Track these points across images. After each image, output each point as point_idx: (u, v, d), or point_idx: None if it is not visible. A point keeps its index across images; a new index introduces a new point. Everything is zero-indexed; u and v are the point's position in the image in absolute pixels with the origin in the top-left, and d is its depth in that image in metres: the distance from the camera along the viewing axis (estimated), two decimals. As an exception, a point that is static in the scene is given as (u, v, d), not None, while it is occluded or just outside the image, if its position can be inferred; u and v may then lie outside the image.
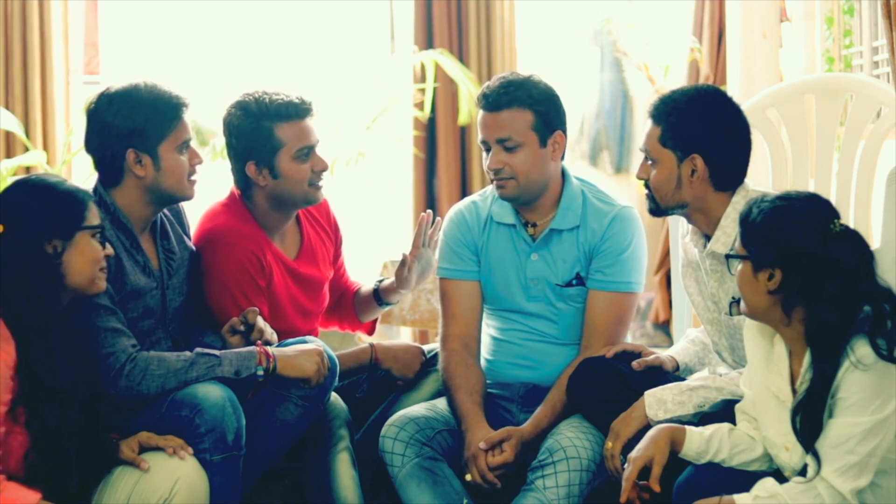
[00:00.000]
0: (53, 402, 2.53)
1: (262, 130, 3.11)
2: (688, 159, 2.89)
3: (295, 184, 3.13)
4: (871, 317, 2.40)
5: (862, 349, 2.38)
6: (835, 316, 2.41)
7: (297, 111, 3.13)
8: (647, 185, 2.95)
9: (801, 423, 2.44)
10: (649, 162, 2.94)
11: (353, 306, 3.51)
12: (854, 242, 2.45)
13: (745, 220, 2.53)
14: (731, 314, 2.93)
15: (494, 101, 3.09)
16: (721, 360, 3.06)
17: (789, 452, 2.52)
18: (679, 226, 3.15)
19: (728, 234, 2.87)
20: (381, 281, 3.47)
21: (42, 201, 2.61)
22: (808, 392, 2.44)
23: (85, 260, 2.62)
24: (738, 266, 2.55)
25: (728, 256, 2.62)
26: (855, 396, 2.38)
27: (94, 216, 2.66)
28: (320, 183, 3.18)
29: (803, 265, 2.44)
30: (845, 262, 2.42)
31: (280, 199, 3.16)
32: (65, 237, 2.60)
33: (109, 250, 2.68)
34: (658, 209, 2.96)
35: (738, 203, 2.88)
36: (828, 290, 2.41)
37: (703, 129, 2.88)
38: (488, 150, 3.13)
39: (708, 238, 2.95)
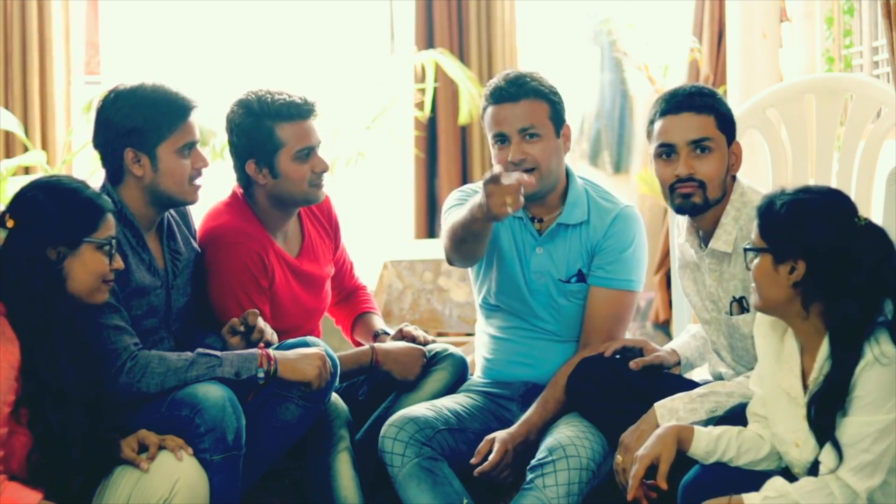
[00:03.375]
0: (57, 403, 2.53)
1: (262, 129, 3.11)
2: (734, 143, 2.89)
3: (294, 184, 3.13)
4: (894, 311, 2.40)
5: (886, 344, 2.38)
6: (857, 309, 2.41)
7: (298, 111, 3.13)
8: (689, 180, 2.84)
9: (816, 414, 2.43)
10: (699, 151, 2.84)
11: (351, 322, 3.53)
12: (878, 236, 2.45)
13: (766, 213, 2.50)
14: (731, 313, 2.92)
15: (513, 92, 3.07)
16: (720, 360, 3.06)
17: (799, 449, 2.51)
18: (674, 228, 3.14)
19: (729, 231, 2.86)
20: (384, 332, 3.45)
21: (55, 205, 2.60)
22: (825, 383, 2.42)
23: (86, 271, 2.61)
24: (754, 259, 2.51)
25: (747, 249, 2.56)
26: (872, 395, 2.37)
27: (107, 228, 2.64)
28: (321, 183, 3.18)
29: (828, 258, 2.43)
30: (869, 256, 2.41)
31: (280, 198, 3.16)
32: (69, 245, 2.59)
33: (118, 264, 2.66)
34: (706, 204, 2.87)
35: (735, 201, 2.88)
36: (852, 283, 2.41)
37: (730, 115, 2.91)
38: (502, 144, 3.10)
39: (704, 238, 2.94)
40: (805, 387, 2.52)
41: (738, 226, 2.87)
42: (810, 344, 2.51)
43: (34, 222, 2.58)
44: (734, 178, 2.93)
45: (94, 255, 2.61)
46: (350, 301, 3.55)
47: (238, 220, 3.16)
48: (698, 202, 2.86)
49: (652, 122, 2.92)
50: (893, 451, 2.40)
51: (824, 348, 2.46)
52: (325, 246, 3.36)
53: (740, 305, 2.90)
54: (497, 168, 2.70)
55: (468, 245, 3.00)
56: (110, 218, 2.67)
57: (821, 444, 2.45)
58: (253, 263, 3.11)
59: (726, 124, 2.89)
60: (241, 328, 2.97)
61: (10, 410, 2.48)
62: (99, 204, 2.65)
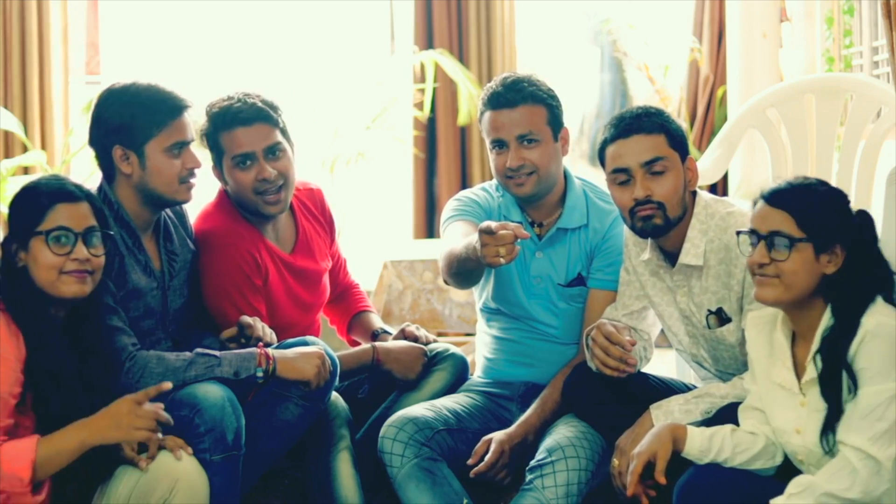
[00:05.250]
0: (58, 389, 2.53)
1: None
2: (688, 159, 2.88)
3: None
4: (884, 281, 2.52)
5: (882, 315, 2.45)
6: (868, 283, 2.49)
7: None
8: (648, 202, 2.81)
9: (822, 365, 2.46)
10: (654, 173, 2.81)
11: (347, 321, 3.52)
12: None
13: (807, 203, 2.51)
14: (710, 327, 2.90)
15: (511, 97, 3.06)
16: (705, 371, 3.03)
17: (801, 435, 2.53)
18: (629, 248, 3.04)
19: (697, 245, 2.84)
20: (384, 331, 3.44)
21: (13, 207, 2.62)
22: (828, 338, 2.47)
23: (38, 266, 2.57)
24: (787, 252, 2.49)
25: (793, 239, 2.49)
26: (876, 366, 2.42)
27: (57, 218, 2.58)
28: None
29: (867, 242, 2.51)
30: (873, 233, 2.53)
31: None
32: (21, 243, 2.58)
33: (80, 253, 2.57)
34: (668, 224, 2.84)
35: (700, 214, 2.86)
36: (874, 261, 2.51)
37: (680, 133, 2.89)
38: (500, 149, 3.09)
39: (669, 255, 2.91)
40: (798, 377, 2.55)
41: (706, 238, 2.85)
42: (809, 331, 2.54)
43: (7, 224, 2.61)
44: (694, 193, 2.90)
45: (41, 249, 2.57)
46: (344, 300, 3.54)
47: (228, 220, 3.15)
48: (660, 223, 2.82)
49: (602, 149, 2.88)
50: None
51: (825, 321, 2.50)
52: (320, 240, 3.36)
53: (719, 317, 2.88)
54: (493, 223, 2.70)
55: (462, 277, 3.01)
56: (63, 208, 2.59)
57: (826, 399, 2.47)
58: (245, 263, 3.11)
59: (677, 141, 2.85)
60: (242, 340, 2.96)
61: (16, 402, 2.48)
62: (46, 194, 2.60)
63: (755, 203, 2.59)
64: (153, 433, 2.52)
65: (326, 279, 3.38)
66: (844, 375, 2.45)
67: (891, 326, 2.43)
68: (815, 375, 2.50)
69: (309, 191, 3.38)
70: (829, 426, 2.47)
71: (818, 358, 2.49)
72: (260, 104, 3.11)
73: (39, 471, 2.44)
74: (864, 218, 2.54)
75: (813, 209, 2.50)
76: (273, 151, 3.12)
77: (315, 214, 3.36)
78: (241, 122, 3.10)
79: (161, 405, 2.54)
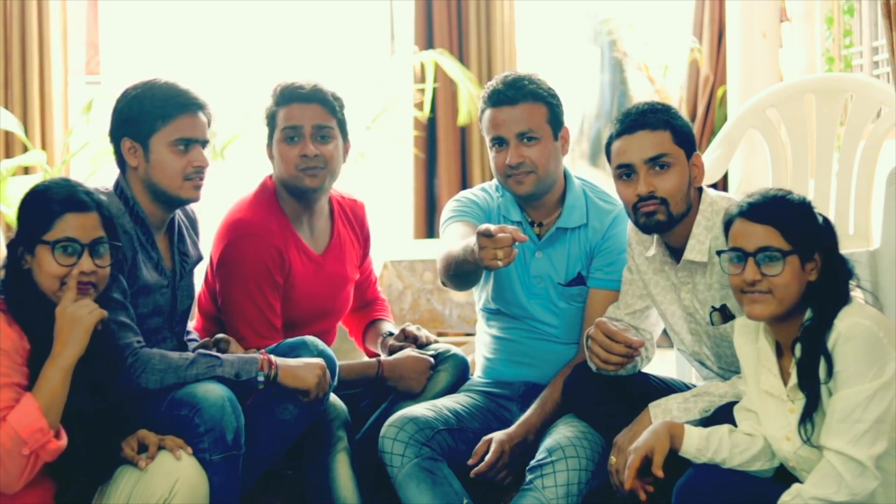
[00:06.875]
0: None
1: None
2: (694, 155, 2.87)
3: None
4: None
5: (855, 315, 2.47)
6: (843, 283, 2.52)
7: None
8: (651, 198, 2.80)
9: (801, 353, 2.48)
10: (658, 169, 2.81)
11: (363, 329, 3.54)
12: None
13: (787, 215, 2.52)
14: (713, 323, 2.90)
15: (511, 95, 3.07)
16: (707, 369, 3.03)
17: (791, 442, 2.55)
18: (633, 246, 3.03)
19: (701, 241, 2.84)
20: (389, 333, 3.45)
21: (21, 208, 2.63)
22: (807, 328, 2.49)
23: (41, 273, 2.58)
24: (776, 265, 2.50)
25: (785, 253, 2.51)
26: (851, 367, 2.42)
27: (63, 229, 2.58)
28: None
29: (829, 245, 2.54)
30: (836, 236, 2.57)
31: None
32: (28, 247, 2.59)
33: (85, 265, 2.58)
34: (671, 220, 2.84)
35: (706, 210, 2.85)
36: (840, 260, 2.54)
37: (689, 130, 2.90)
38: (500, 147, 3.10)
39: (674, 251, 2.91)
40: (784, 382, 2.56)
41: (711, 235, 2.84)
42: (791, 340, 2.55)
43: (17, 227, 2.63)
44: (700, 189, 2.89)
45: (46, 258, 2.58)
46: (364, 309, 3.55)
47: (263, 212, 3.17)
48: (662, 219, 2.82)
49: (609, 145, 2.88)
50: (890, 419, 2.43)
51: (806, 317, 2.52)
52: (353, 249, 3.38)
53: (722, 314, 2.88)
54: (492, 226, 2.70)
55: (460, 279, 3.02)
56: (73, 217, 2.60)
57: (805, 393, 2.48)
58: (270, 258, 3.12)
59: (683, 138, 2.84)
60: (213, 350, 2.97)
61: (11, 394, 2.48)
62: (57, 201, 2.60)
63: (729, 221, 2.58)
64: (102, 310, 2.57)
65: (351, 290, 3.38)
66: (822, 367, 2.46)
67: (864, 327, 2.44)
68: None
69: (353, 202, 3.42)
70: (807, 415, 2.49)
71: (797, 347, 2.50)
72: (324, 88, 3.18)
73: (49, 416, 2.47)
74: (828, 222, 2.57)
75: (794, 220, 2.52)
76: (322, 133, 3.16)
77: (353, 225, 3.39)
78: (299, 97, 3.16)
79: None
